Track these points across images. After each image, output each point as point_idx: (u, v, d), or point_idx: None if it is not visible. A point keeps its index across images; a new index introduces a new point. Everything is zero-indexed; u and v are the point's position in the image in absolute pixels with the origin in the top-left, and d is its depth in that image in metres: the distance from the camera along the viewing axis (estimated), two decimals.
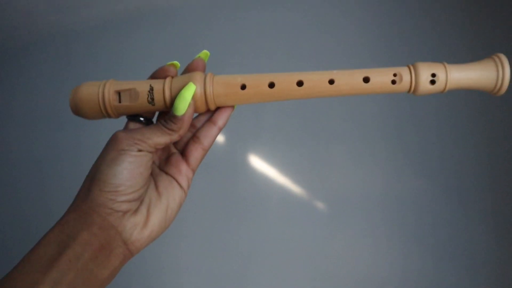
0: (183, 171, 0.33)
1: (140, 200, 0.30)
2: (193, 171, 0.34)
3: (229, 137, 0.86)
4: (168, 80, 0.32)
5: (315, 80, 0.31)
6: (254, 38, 0.91)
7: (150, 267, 0.78)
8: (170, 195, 0.32)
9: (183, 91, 0.30)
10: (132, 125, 0.33)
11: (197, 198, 0.82)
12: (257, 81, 0.31)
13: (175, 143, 0.35)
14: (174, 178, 0.33)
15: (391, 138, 0.83)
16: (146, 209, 0.30)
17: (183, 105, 0.29)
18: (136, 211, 0.29)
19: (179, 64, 0.34)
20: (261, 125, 0.86)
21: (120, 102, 0.32)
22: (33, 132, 0.84)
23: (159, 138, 0.30)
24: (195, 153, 0.33)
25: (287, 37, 0.90)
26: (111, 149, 0.29)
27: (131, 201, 0.29)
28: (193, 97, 0.30)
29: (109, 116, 0.32)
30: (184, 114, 0.30)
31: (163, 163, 0.34)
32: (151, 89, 0.31)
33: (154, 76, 0.33)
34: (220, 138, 0.86)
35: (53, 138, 0.83)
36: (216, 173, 0.84)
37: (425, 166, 0.81)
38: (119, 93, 0.32)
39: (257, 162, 0.85)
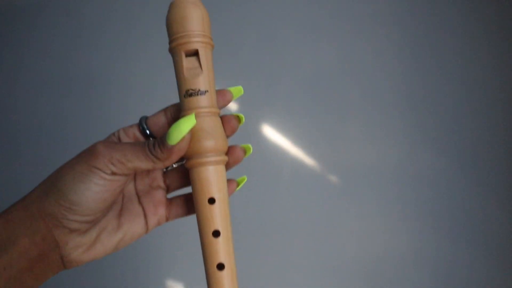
0: (159, 213, 0.30)
1: (94, 222, 0.27)
2: (167, 221, 0.31)
3: (242, 105, 0.83)
4: (217, 118, 0.29)
5: (220, 249, 0.28)
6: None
7: (153, 232, 0.78)
8: (130, 230, 0.29)
9: (181, 122, 0.26)
10: (131, 133, 0.30)
11: None
12: (216, 181, 0.29)
13: (166, 178, 0.31)
14: (145, 214, 0.29)
15: (407, 112, 0.80)
16: (96, 234, 0.27)
17: (177, 135, 0.26)
18: (85, 232, 0.26)
19: (243, 118, 0.31)
20: (275, 94, 0.83)
21: (185, 55, 0.29)
22: (39, 96, 0.84)
23: (141, 163, 0.26)
24: (179, 209, 0.31)
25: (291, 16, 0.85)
26: (84, 161, 0.26)
27: (82, 222, 0.26)
28: (191, 133, 0.27)
29: (171, 42, 0.30)
30: (174, 146, 0.26)
31: (144, 189, 0.30)
32: (202, 92, 0.29)
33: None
34: (233, 106, 0.83)
35: (59, 105, 0.83)
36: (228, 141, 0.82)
37: (441, 142, 0.78)
38: (195, 53, 0.30)
39: (270, 132, 0.83)
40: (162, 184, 0.31)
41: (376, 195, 0.77)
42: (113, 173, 0.26)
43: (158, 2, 0.89)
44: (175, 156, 0.27)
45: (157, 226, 0.30)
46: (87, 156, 0.26)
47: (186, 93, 0.28)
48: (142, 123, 0.31)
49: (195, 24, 0.28)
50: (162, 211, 0.30)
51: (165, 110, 0.32)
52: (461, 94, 0.81)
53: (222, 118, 0.30)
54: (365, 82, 0.82)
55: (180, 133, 0.26)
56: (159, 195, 0.30)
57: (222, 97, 0.30)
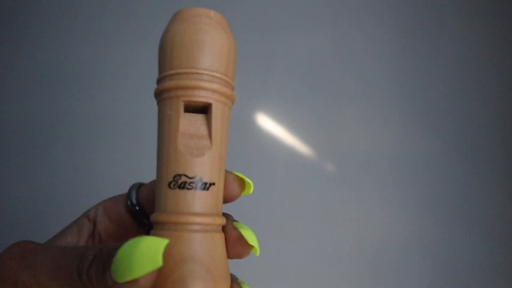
0: None
1: None
2: None
3: (236, 93, 0.81)
4: (221, 236, 0.17)
5: None
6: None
7: None
8: None
9: (137, 251, 0.14)
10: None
11: None
12: None
13: None
14: None
15: (402, 98, 0.79)
16: None
17: (125, 272, 0.14)
18: None
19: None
20: (270, 82, 0.81)
21: (185, 109, 0.17)
22: (30, 90, 0.82)
23: (58, 285, 0.15)
24: None
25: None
26: None
27: None
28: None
29: (161, 82, 0.18)
30: (119, 286, 0.14)
31: None
32: (204, 186, 0.16)
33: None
34: None
35: (50, 99, 0.81)
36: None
37: (438, 128, 0.78)
38: (201, 109, 0.17)
39: (265, 120, 0.81)
40: None
41: (374, 182, 0.77)
42: None
43: None
44: None
45: None
46: None
47: (174, 181, 0.16)
48: (132, 197, 0.20)
49: (216, 58, 0.17)
50: None
51: None
52: (456, 79, 0.80)
53: (226, 235, 0.18)
54: (360, 69, 0.80)
55: (131, 272, 0.13)
56: None
57: (225, 190, 0.19)
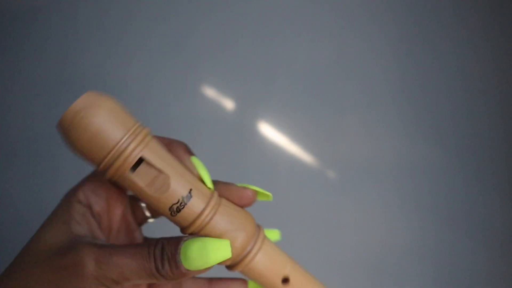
0: None
1: None
2: None
3: (238, 102, 0.82)
4: (222, 204, 0.22)
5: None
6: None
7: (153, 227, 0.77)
8: None
9: (211, 248, 0.20)
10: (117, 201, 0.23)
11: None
12: (274, 262, 0.25)
13: None
14: None
15: (404, 106, 0.80)
16: None
17: (202, 264, 0.19)
18: None
19: (271, 196, 0.25)
20: (272, 90, 0.82)
21: (132, 170, 0.20)
22: (34, 99, 0.83)
23: (141, 280, 0.20)
24: None
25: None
26: (66, 283, 0.19)
27: None
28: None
29: (103, 173, 0.21)
30: (191, 271, 0.20)
31: None
32: (188, 196, 0.21)
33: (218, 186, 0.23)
34: (228, 103, 0.82)
35: (55, 108, 0.81)
36: (223, 139, 0.81)
37: (439, 134, 0.78)
38: (140, 160, 0.20)
39: (267, 129, 0.82)
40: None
41: (376, 189, 0.77)
42: None
43: (154, 3, 0.88)
44: (187, 278, 0.20)
45: None
46: (70, 277, 0.19)
47: (172, 211, 0.21)
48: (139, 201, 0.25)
49: (116, 129, 0.19)
50: None
51: None
52: (459, 87, 0.81)
53: (229, 191, 0.23)
54: (362, 77, 0.81)
55: (207, 264, 0.19)
56: None
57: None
